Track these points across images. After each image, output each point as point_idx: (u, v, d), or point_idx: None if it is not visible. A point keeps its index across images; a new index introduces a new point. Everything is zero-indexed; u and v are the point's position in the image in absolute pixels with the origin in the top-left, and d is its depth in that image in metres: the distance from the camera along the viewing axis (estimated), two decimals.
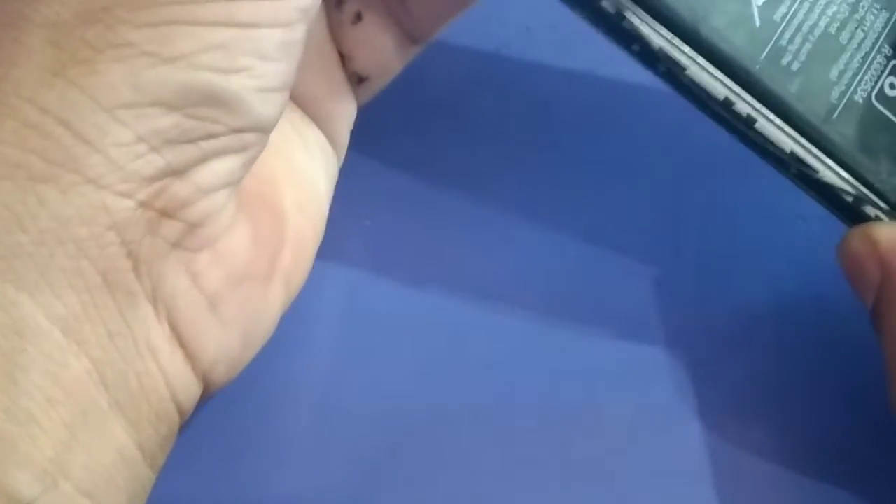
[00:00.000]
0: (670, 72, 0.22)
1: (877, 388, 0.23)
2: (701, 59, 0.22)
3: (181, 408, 0.19)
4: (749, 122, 0.23)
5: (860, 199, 0.23)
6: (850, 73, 0.23)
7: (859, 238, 0.23)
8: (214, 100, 0.18)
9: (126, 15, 0.18)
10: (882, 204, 0.23)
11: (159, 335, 0.19)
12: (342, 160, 0.24)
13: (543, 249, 0.27)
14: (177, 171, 0.18)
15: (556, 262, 0.27)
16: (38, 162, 0.17)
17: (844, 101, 0.23)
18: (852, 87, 0.23)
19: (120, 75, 0.17)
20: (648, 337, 0.26)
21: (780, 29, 0.23)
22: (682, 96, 0.23)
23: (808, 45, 0.23)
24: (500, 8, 0.28)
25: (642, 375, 0.26)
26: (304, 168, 0.23)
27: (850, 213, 0.23)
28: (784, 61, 0.23)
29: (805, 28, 0.23)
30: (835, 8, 0.23)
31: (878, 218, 0.23)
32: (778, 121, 0.23)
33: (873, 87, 0.23)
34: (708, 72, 0.22)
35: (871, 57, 0.23)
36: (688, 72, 0.22)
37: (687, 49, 0.22)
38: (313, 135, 0.23)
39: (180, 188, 0.18)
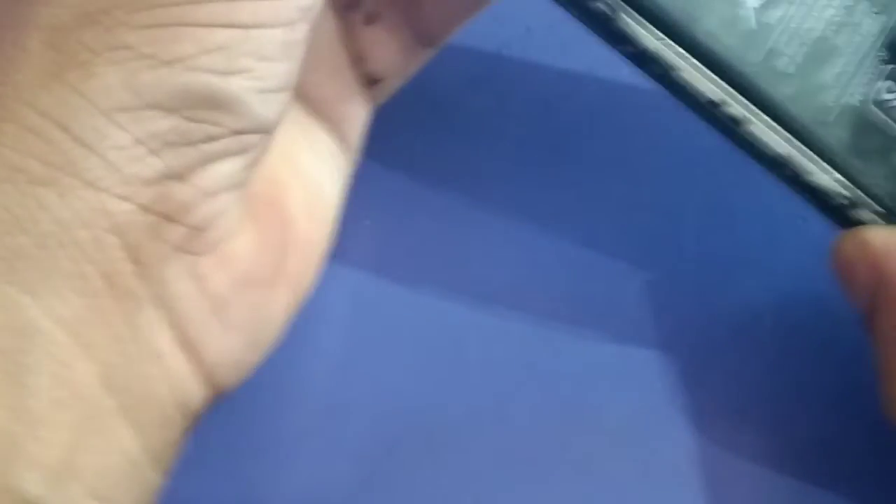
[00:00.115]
0: (664, 74, 0.22)
1: (874, 389, 0.23)
2: (694, 61, 0.22)
3: (188, 412, 0.19)
4: (743, 124, 0.23)
5: (854, 203, 0.23)
6: (845, 77, 0.23)
7: (853, 242, 0.23)
8: (214, 102, 0.18)
9: (124, 17, 0.17)
10: (877, 207, 0.23)
11: (164, 339, 0.19)
12: (355, 163, 0.24)
13: (543, 249, 0.27)
14: (177, 174, 0.18)
15: (556, 262, 0.27)
16: (38, 165, 0.17)
17: (839, 104, 0.23)
18: (848, 91, 0.23)
19: (117, 78, 0.17)
20: (648, 337, 0.26)
21: (776, 32, 0.23)
22: (676, 98, 0.23)
23: (804, 49, 0.23)
24: (500, 8, 0.28)
25: (643, 375, 0.26)
26: (313, 172, 0.23)
27: (844, 216, 0.23)
28: (779, 64, 0.23)
29: (801, 31, 0.23)
30: (831, 11, 0.23)
31: (872, 222, 0.23)
32: (773, 123, 0.23)
33: (868, 92, 0.23)
34: (702, 73, 0.22)
35: (866, 61, 0.23)
36: (681, 73, 0.22)
37: (680, 50, 0.22)
38: (323, 138, 0.23)
39: (182, 192, 0.18)
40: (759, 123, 0.23)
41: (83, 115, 0.17)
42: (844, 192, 0.23)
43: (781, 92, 0.23)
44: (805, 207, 0.24)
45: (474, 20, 0.24)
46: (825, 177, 0.23)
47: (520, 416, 0.25)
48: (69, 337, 0.17)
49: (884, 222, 0.23)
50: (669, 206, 0.28)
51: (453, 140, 0.28)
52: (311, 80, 0.20)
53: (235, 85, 0.18)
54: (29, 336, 0.17)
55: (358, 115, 0.24)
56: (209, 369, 0.20)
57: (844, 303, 0.24)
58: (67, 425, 0.17)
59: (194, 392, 0.19)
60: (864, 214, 0.23)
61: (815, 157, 0.23)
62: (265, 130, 0.19)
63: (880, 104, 0.23)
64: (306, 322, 0.25)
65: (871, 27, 0.23)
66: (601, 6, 0.22)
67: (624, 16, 0.22)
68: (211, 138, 0.18)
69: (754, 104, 0.23)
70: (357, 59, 0.23)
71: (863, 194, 0.23)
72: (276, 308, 0.21)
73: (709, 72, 0.22)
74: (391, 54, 0.24)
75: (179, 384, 0.19)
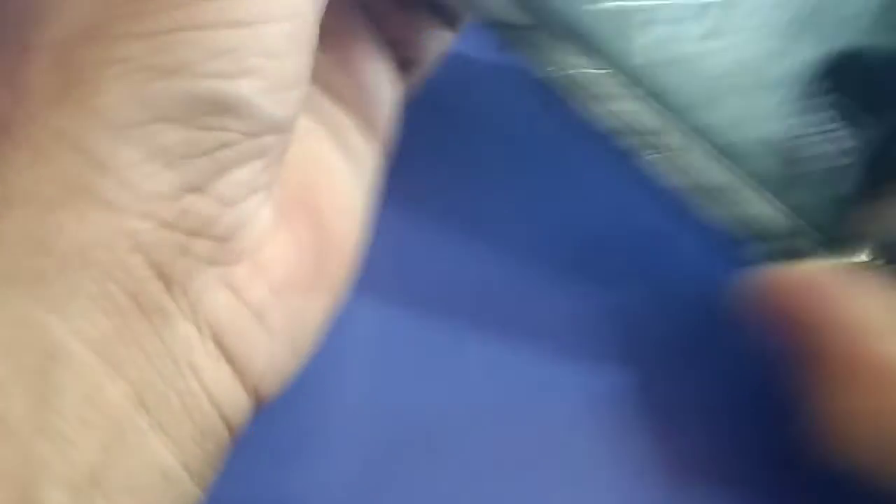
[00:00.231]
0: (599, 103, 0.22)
1: None
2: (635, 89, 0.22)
3: (230, 423, 0.19)
4: (678, 152, 0.22)
5: (793, 233, 0.23)
6: (784, 108, 0.23)
7: (789, 279, 0.22)
8: (223, 107, 0.17)
9: (126, 28, 0.17)
10: (815, 236, 0.23)
11: (201, 353, 0.18)
12: (388, 153, 0.24)
13: (543, 249, 0.27)
14: (195, 187, 0.18)
15: (556, 262, 0.27)
16: (53, 189, 0.17)
17: (776, 134, 0.23)
18: (785, 122, 0.23)
19: (124, 92, 0.17)
20: (648, 336, 0.26)
21: (716, 61, 0.23)
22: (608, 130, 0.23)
23: (730, 80, 0.23)
24: None
25: (643, 375, 0.26)
26: (341, 168, 0.22)
27: (781, 247, 0.23)
28: (718, 92, 0.23)
29: (741, 61, 0.23)
30: (770, 43, 0.23)
31: (810, 252, 0.23)
32: (712, 151, 0.23)
33: (804, 122, 0.23)
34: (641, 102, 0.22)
35: (803, 92, 0.23)
36: (619, 102, 0.22)
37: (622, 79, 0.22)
38: (350, 131, 0.22)
39: (203, 205, 0.18)
40: (697, 152, 0.22)
41: (95, 133, 0.17)
42: (783, 221, 0.23)
43: (715, 120, 0.22)
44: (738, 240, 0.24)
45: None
46: (764, 206, 0.23)
47: (519, 417, 0.25)
48: (97, 356, 0.17)
49: (820, 252, 0.23)
50: (669, 205, 0.28)
51: (453, 139, 0.28)
52: (337, 70, 0.20)
53: (244, 87, 0.18)
54: (56, 356, 0.17)
55: (388, 102, 0.23)
56: (254, 379, 0.19)
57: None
58: (96, 445, 0.17)
59: (237, 403, 0.19)
60: (801, 244, 0.23)
61: (751, 185, 0.23)
62: (281, 130, 0.19)
63: (813, 135, 0.23)
64: None
65: (807, 58, 0.23)
66: (529, 33, 0.22)
67: (559, 42, 0.22)
68: (224, 145, 0.18)
69: (692, 132, 0.22)
70: (391, 43, 0.23)
71: (803, 223, 0.23)
72: (315, 312, 0.21)
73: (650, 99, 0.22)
74: (425, 36, 0.23)
75: (220, 397, 0.19)
